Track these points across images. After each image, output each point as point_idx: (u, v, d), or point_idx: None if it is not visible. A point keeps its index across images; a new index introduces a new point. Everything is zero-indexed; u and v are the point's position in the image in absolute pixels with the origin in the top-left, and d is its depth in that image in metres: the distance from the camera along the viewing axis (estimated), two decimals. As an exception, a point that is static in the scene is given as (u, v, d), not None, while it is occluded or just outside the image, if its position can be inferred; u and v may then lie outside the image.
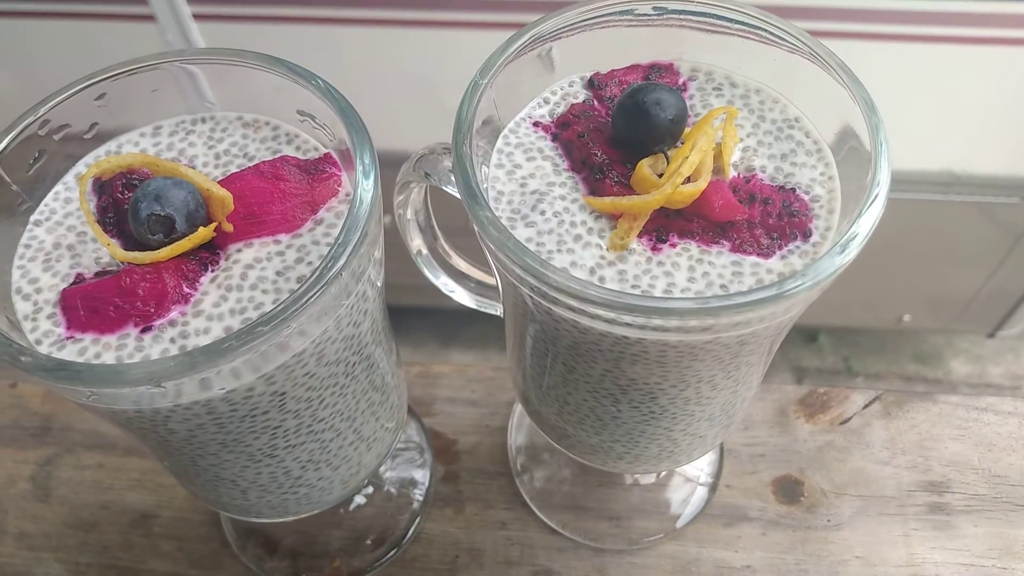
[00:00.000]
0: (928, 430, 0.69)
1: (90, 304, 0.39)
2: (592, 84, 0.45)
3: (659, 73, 0.45)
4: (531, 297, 0.39)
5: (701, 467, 0.68)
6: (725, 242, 0.39)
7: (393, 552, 0.64)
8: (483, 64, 0.42)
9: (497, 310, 0.56)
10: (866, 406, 0.70)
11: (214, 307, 0.39)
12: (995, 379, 1.98)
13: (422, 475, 0.68)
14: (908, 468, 0.67)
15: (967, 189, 1.50)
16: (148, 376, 0.34)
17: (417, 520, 0.66)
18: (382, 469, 0.69)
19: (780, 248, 0.39)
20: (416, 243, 0.55)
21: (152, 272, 0.39)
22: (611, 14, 0.44)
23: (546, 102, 0.45)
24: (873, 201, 0.36)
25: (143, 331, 0.38)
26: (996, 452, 0.68)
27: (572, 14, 0.44)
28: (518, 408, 0.71)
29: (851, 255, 0.35)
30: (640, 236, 0.40)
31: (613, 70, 0.46)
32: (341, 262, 0.36)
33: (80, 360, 0.38)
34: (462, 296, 0.57)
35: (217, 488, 0.48)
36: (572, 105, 0.45)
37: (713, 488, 0.66)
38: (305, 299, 0.35)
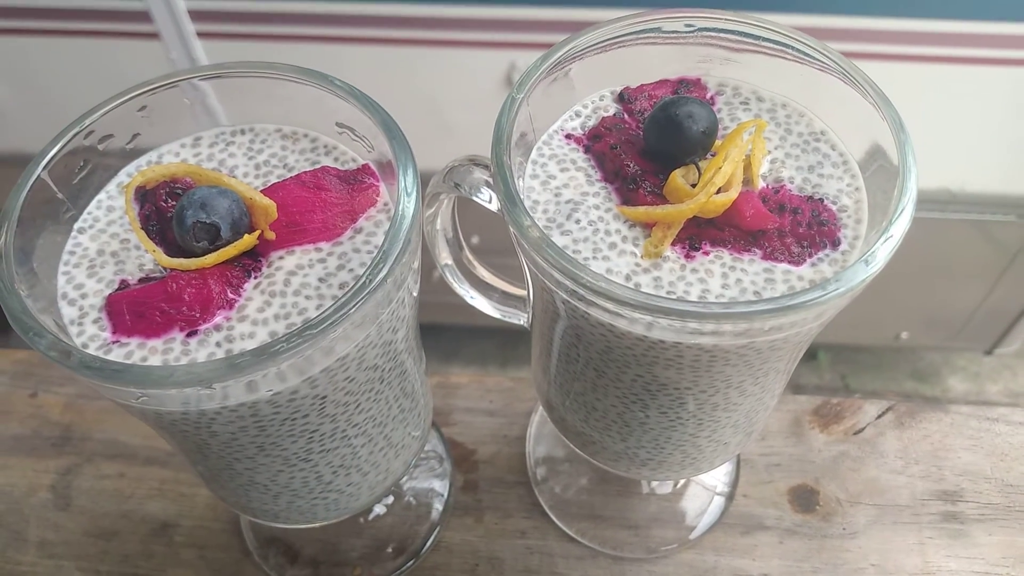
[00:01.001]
0: (941, 440, 0.70)
1: (136, 309, 0.40)
2: (622, 98, 0.47)
3: (687, 88, 0.47)
4: (567, 302, 0.40)
5: (718, 477, 0.68)
6: (757, 250, 0.40)
7: (413, 561, 0.65)
8: (519, 80, 0.43)
9: (521, 319, 0.57)
10: (879, 416, 0.71)
11: (258, 312, 0.40)
12: (993, 396, 1.99)
13: (441, 485, 0.69)
14: (922, 477, 0.68)
15: (964, 207, 1.51)
16: (198, 378, 0.34)
17: (437, 529, 0.66)
18: (403, 478, 0.69)
19: (810, 256, 0.40)
20: (443, 255, 0.56)
21: (197, 278, 0.40)
22: (641, 31, 0.46)
23: (577, 115, 0.47)
24: (900, 214, 0.38)
25: (189, 335, 0.39)
26: (1008, 462, 0.69)
27: (603, 31, 0.45)
28: (536, 418, 0.72)
29: (880, 265, 0.36)
30: (673, 244, 0.41)
31: (643, 84, 0.47)
32: (385, 271, 0.37)
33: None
34: (484, 305, 0.58)
35: (248, 493, 0.49)
36: (603, 118, 0.46)
37: (730, 497, 0.67)
38: (353, 304, 0.36)
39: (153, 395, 0.36)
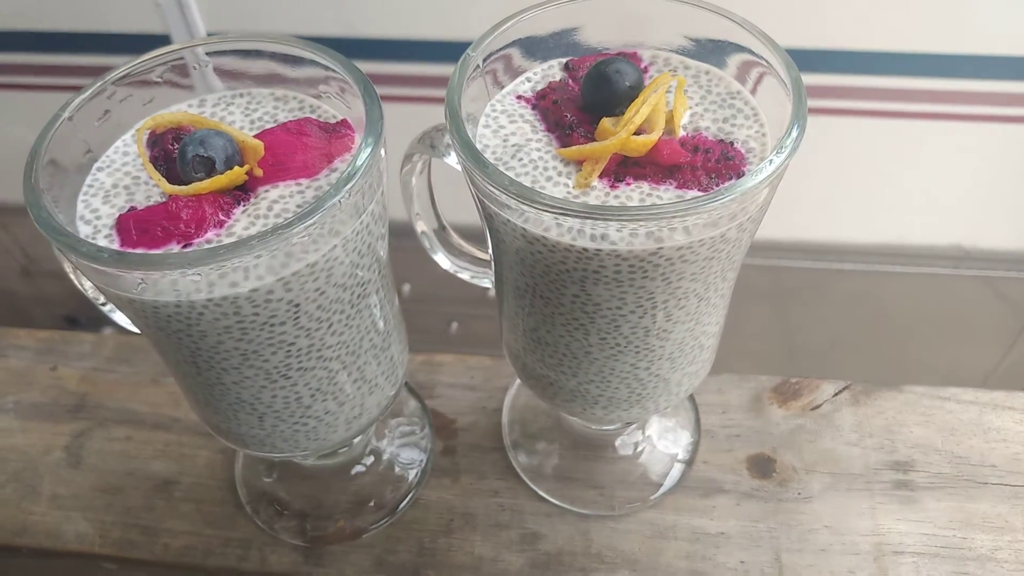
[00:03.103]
0: (894, 416, 0.74)
1: (141, 226, 0.46)
2: (567, 67, 0.54)
3: (625, 58, 0.54)
4: (508, 223, 0.46)
5: (680, 445, 0.73)
6: (672, 181, 0.47)
7: (392, 515, 0.70)
8: (474, 41, 0.50)
9: (488, 279, 0.63)
10: (836, 394, 0.76)
11: (244, 230, 0.47)
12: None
13: (422, 449, 0.74)
14: (875, 449, 0.72)
15: (977, 264, 1.53)
16: (186, 260, 0.41)
17: (416, 488, 0.71)
18: (384, 443, 0.75)
19: (717, 185, 0.46)
20: (419, 222, 0.63)
21: (194, 201, 0.47)
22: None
23: (528, 80, 0.54)
24: (787, 136, 0.44)
25: (184, 247, 0.46)
26: (958, 436, 0.72)
27: (549, 11, 0.53)
28: (512, 391, 0.77)
29: (762, 175, 0.42)
30: (601, 177, 0.47)
31: (585, 56, 0.54)
32: (343, 190, 0.44)
33: (130, 267, 0.45)
34: (454, 268, 0.65)
35: (237, 415, 0.55)
36: (550, 82, 0.53)
37: (690, 463, 0.71)
38: (316, 212, 0.43)
39: (150, 281, 0.43)
